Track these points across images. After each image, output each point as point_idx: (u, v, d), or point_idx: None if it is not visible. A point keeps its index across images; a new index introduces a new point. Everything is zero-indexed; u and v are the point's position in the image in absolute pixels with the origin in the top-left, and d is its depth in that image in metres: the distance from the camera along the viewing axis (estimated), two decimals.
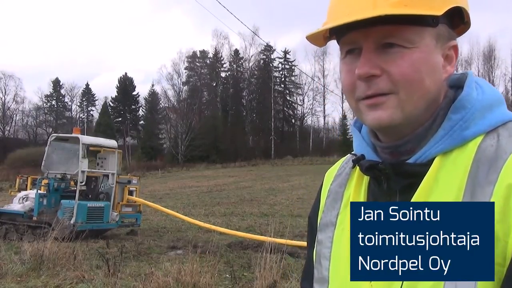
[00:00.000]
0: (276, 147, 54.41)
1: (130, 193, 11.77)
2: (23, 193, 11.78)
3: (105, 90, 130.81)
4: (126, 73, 69.15)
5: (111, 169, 11.54)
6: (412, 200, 0.74)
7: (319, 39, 0.83)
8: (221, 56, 64.23)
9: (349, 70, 0.78)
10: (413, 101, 0.74)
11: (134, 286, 5.94)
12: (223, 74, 64.96)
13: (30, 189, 12.25)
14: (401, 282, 0.71)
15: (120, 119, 65.39)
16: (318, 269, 0.88)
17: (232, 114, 61.06)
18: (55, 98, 70.32)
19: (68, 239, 8.05)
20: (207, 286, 5.67)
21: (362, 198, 0.84)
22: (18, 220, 10.70)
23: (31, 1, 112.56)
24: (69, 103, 72.34)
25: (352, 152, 0.89)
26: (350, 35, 0.77)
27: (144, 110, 67.36)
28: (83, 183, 11.04)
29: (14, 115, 67.61)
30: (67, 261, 7.00)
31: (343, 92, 0.82)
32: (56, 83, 70.49)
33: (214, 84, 63.55)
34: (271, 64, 63.20)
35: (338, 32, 0.79)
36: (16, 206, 11.22)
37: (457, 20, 0.79)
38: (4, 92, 65.85)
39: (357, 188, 0.86)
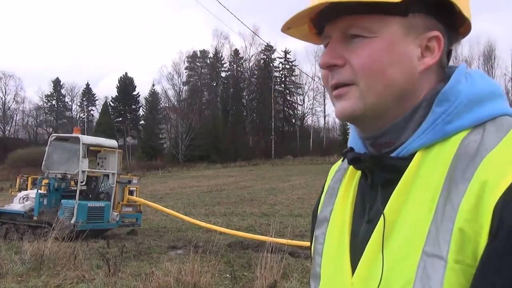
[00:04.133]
0: (276, 147, 54.39)
1: (131, 193, 11.78)
2: (23, 193, 11.80)
3: (106, 90, 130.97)
4: (126, 73, 69.23)
5: (112, 169, 11.54)
6: (392, 196, 0.70)
7: (311, 38, 0.83)
8: (222, 56, 64.33)
9: None
10: (375, 92, 0.72)
11: (135, 286, 5.94)
12: (223, 74, 65.04)
13: (31, 189, 12.28)
14: (379, 280, 0.69)
15: (120, 119, 65.37)
16: (313, 265, 0.87)
17: (232, 114, 61.03)
18: (55, 98, 70.33)
19: (68, 239, 8.06)
20: (208, 286, 5.67)
21: (352, 192, 0.83)
22: (18, 220, 10.70)
23: (32, 1, 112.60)
24: (70, 103, 72.49)
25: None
26: (326, 29, 0.77)
27: (144, 110, 67.42)
28: (84, 183, 11.04)
29: (15, 115, 67.79)
30: (68, 261, 7.01)
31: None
32: (57, 83, 70.50)
33: (214, 84, 63.55)
34: (271, 64, 63.18)
35: (319, 29, 0.79)
36: (16, 206, 11.22)
37: (445, 12, 0.74)
38: (4, 92, 66.05)
39: (349, 182, 0.84)
